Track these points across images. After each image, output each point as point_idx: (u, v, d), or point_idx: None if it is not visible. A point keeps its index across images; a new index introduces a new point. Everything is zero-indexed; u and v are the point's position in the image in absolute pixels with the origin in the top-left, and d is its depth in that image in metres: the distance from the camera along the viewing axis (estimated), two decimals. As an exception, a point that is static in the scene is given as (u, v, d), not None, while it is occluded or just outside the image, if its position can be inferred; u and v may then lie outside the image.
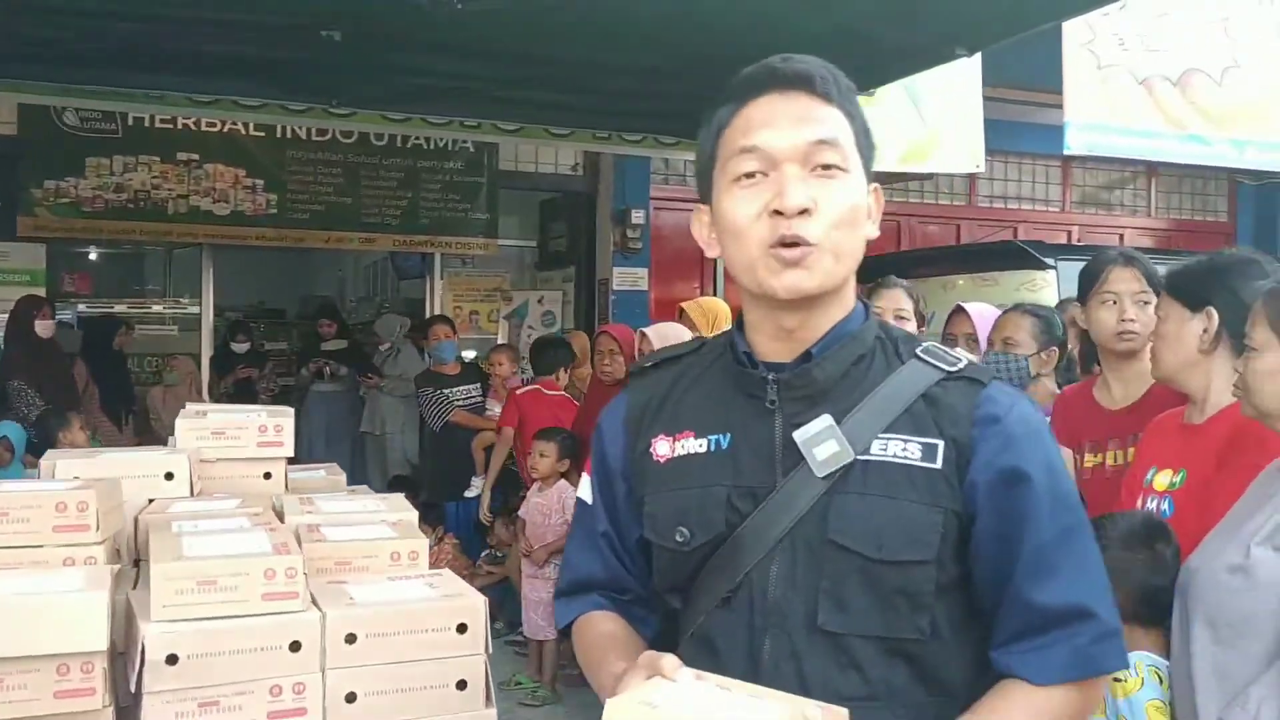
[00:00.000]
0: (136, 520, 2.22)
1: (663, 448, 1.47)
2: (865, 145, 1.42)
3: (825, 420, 1.37)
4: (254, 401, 6.96)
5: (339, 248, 8.72)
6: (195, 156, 7.87)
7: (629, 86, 5.10)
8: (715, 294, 7.91)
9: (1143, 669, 2.12)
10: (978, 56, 5.58)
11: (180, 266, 10.34)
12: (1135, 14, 7.56)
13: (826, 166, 1.36)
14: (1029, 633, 1.35)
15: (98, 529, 1.94)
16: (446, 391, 6.96)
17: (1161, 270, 2.81)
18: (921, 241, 9.88)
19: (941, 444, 1.36)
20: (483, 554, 6.47)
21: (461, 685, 1.89)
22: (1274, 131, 8.22)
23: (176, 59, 4.83)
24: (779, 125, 1.36)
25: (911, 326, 3.53)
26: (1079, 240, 10.31)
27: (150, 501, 2.31)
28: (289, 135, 8.03)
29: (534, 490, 5.56)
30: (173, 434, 2.65)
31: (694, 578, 1.43)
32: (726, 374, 1.48)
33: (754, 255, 1.36)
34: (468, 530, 6.73)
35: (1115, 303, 2.94)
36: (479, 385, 7.16)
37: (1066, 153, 7.92)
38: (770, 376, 1.41)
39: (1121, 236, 10.59)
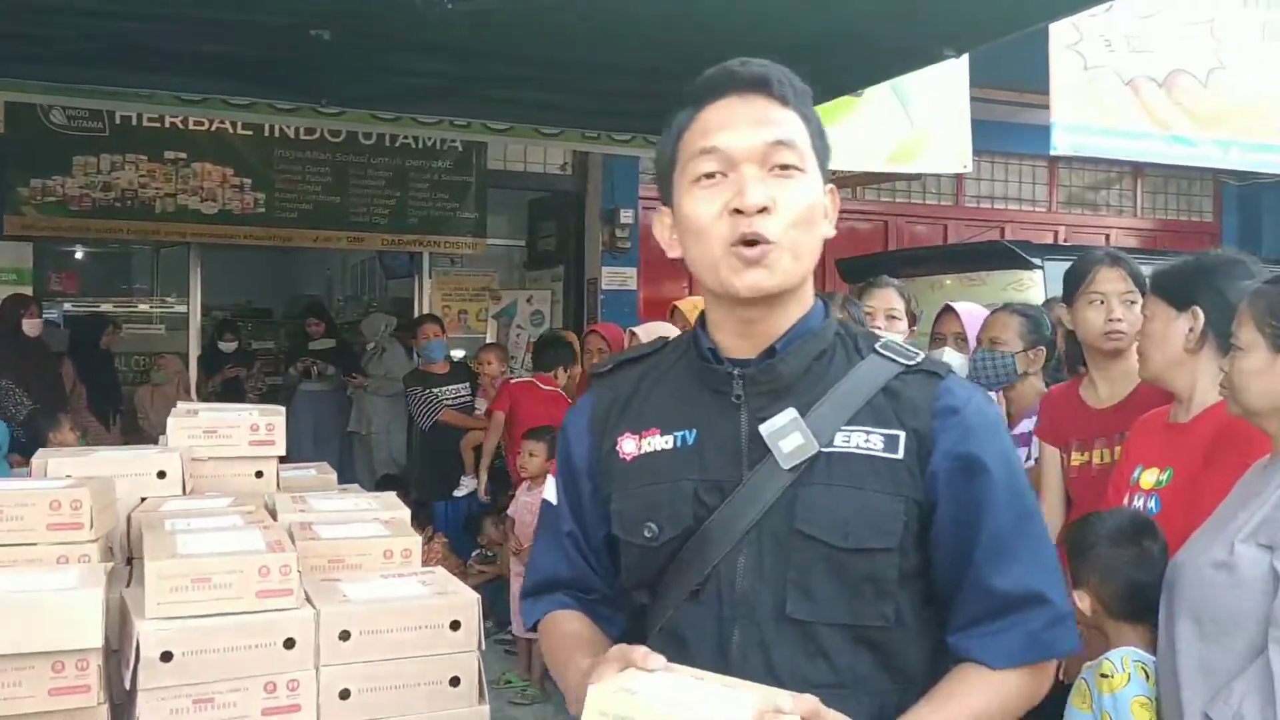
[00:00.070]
0: (129, 518, 2.22)
1: (629, 446, 1.49)
2: (821, 147, 1.45)
3: (790, 414, 1.40)
4: (242, 401, 6.95)
5: (327, 247, 8.70)
6: (183, 155, 7.83)
7: (619, 86, 5.11)
8: (703, 294, 7.91)
9: (1129, 665, 2.14)
10: (965, 57, 5.60)
11: (168, 265, 10.31)
12: (1121, 16, 7.60)
13: (784, 167, 1.39)
14: (986, 617, 1.39)
15: (91, 527, 1.95)
16: (435, 391, 6.96)
17: (1147, 270, 2.83)
18: (909, 241, 9.91)
19: (903, 435, 1.40)
20: (474, 553, 6.47)
21: (455, 682, 1.91)
22: (1258, 132, 8.27)
23: (165, 58, 4.82)
24: (737, 127, 1.39)
25: (903, 326, 3.55)
26: (1066, 240, 10.35)
27: (143, 500, 2.32)
28: (277, 134, 8.00)
29: (523, 489, 5.57)
30: (163, 433, 2.65)
31: (662, 573, 1.45)
32: (691, 371, 1.50)
33: (716, 254, 1.39)
34: (457, 530, 6.74)
35: (1103, 302, 2.96)
36: (468, 385, 7.16)
37: (1053, 153, 7.96)
38: (736, 371, 1.44)
39: (1108, 237, 10.64)
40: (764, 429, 1.40)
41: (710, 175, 1.40)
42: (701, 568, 1.41)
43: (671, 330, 4.91)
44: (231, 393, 7.82)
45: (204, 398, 7.78)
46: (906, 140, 7.22)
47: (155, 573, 1.76)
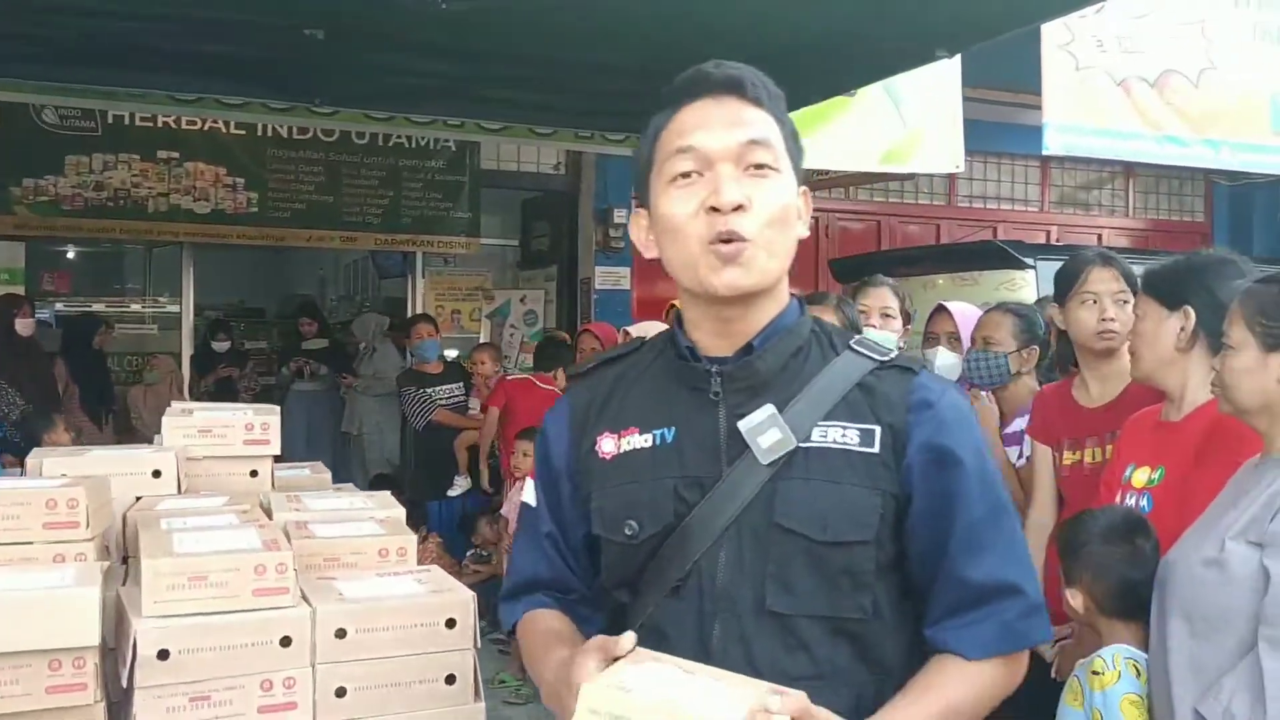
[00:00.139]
0: (125, 517, 2.23)
1: (608, 445, 1.51)
2: (794, 149, 1.47)
3: (768, 410, 1.42)
4: (234, 401, 6.95)
5: (320, 246, 8.68)
6: (175, 155, 7.82)
7: (613, 86, 5.11)
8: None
9: (1120, 662, 2.16)
10: (958, 58, 5.61)
11: (160, 265, 10.28)
12: (1113, 16, 7.60)
13: (759, 166, 1.41)
14: (961, 608, 1.41)
15: (88, 526, 1.95)
16: (429, 390, 6.96)
17: (1139, 270, 2.85)
18: (902, 241, 9.93)
19: (878, 429, 1.42)
20: (469, 553, 6.47)
21: (450, 680, 1.91)
22: (1249, 133, 8.28)
23: (159, 57, 4.81)
24: (712, 127, 1.42)
25: (898, 324, 3.55)
26: (1058, 240, 10.37)
27: (138, 499, 2.32)
28: (270, 134, 7.99)
29: (517, 488, 5.58)
30: (157, 432, 2.66)
31: (643, 570, 1.47)
32: (668, 370, 1.52)
33: (694, 252, 1.41)
34: (451, 530, 6.74)
35: (1095, 302, 2.97)
36: (462, 384, 7.16)
37: (1045, 153, 7.97)
38: (714, 369, 1.46)
39: (1100, 236, 10.67)
40: (743, 425, 1.42)
41: (686, 175, 1.42)
42: (682, 564, 1.42)
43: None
44: (224, 392, 7.83)
45: (197, 397, 7.78)
46: (899, 140, 7.23)
47: (152, 571, 1.76)
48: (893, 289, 3.63)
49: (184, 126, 7.78)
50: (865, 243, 9.76)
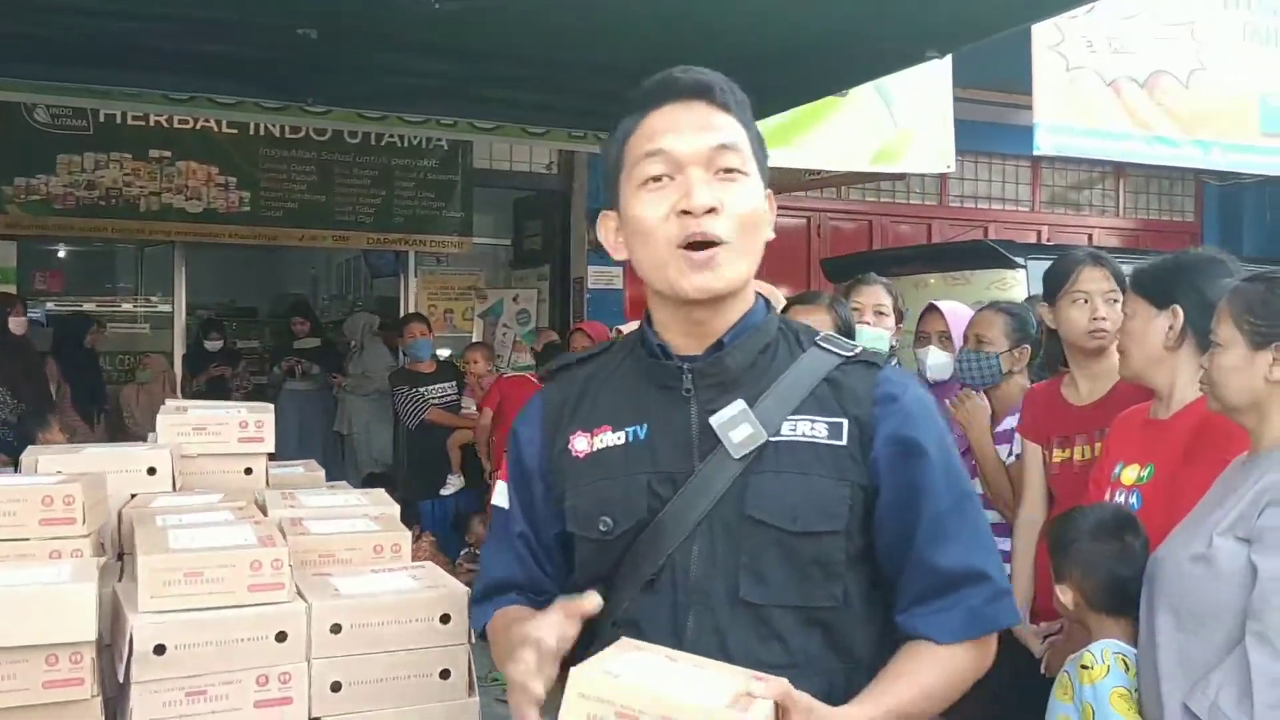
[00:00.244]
0: (120, 514, 2.23)
1: (581, 444, 1.53)
2: (760, 153, 1.50)
3: (739, 405, 1.44)
4: (227, 400, 6.94)
5: (312, 246, 8.70)
6: (167, 154, 7.82)
7: (605, 86, 5.11)
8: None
9: (1109, 657, 2.18)
10: (949, 58, 5.63)
11: (152, 264, 10.27)
12: (1103, 17, 7.63)
13: (729, 170, 1.44)
14: (931, 595, 1.44)
15: (84, 522, 1.95)
16: (422, 390, 6.96)
17: (1127, 270, 2.87)
18: (893, 241, 9.96)
19: (846, 422, 1.45)
20: (462, 552, 6.48)
21: (445, 674, 1.92)
22: (1239, 133, 8.32)
23: (151, 56, 4.80)
24: (682, 131, 1.44)
25: (891, 322, 3.57)
26: (1048, 240, 10.40)
27: (133, 496, 2.32)
28: (262, 133, 7.99)
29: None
30: (149, 431, 2.66)
31: (618, 565, 1.48)
32: (639, 369, 1.55)
33: (664, 255, 1.44)
34: (444, 528, 6.74)
35: (1086, 301, 2.99)
36: (454, 384, 7.16)
37: (1036, 153, 7.99)
38: (685, 366, 1.49)
39: (1090, 236, 10.70)
40: (714, 420, 1.44)
41: (657, 178, 1.44)
42: (656, 558, 1.45)
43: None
44: (216, 392, 7.81)
45: (189, 397, 7.75)
46: (891, 140, 7.25)
47: (148, 567, 1.77)
48: (886, 287, 3.65)
49: (176, 125, 7.77)
50: (857, 242, 9.79)
